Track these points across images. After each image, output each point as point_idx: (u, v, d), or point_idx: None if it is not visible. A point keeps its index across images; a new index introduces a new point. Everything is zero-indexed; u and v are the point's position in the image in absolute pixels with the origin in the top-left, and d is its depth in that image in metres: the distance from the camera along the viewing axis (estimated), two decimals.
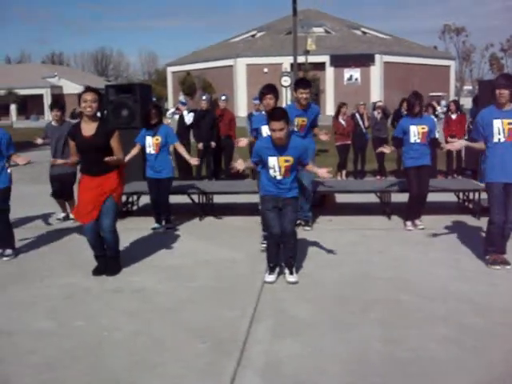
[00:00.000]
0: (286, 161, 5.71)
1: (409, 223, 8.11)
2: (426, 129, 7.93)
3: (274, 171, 5.74)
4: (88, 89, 6.06)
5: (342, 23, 55.80)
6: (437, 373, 3.98)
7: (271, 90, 6.87)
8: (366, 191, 9.55)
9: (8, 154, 6.73)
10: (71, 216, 8.70)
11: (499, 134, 6.14)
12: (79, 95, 5.98)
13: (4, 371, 4.08)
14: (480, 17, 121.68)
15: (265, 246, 6.38)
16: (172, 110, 13.39)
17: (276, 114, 5.63)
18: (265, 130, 6.58)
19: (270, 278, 5.91)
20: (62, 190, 8.76)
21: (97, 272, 6.21)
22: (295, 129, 7.41)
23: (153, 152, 8.08)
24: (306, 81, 8.28)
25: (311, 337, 4.58)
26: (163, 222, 8.25)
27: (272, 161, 5.72)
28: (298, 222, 8.08)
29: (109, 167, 5.99)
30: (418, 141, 7.91)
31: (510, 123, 6.11)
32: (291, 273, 5.92)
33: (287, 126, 5.65)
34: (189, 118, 12.64)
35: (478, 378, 3.90)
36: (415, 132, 7.90)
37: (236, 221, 7.72)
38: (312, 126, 7.84)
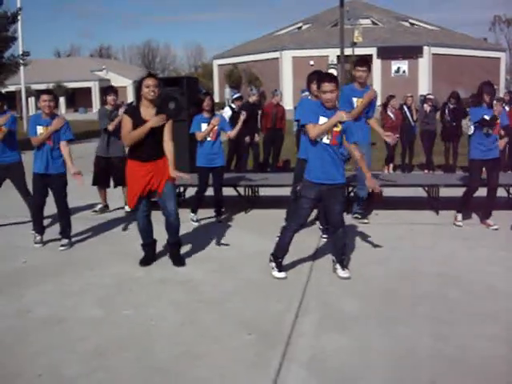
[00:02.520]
0: (335, 125, 5.56)
1: (459, 217, 7.90)
2: (498, 120, 7.60)
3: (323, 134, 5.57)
4: (150, 74, 6.16)
5: (389, 15, 55.06)
6: (486, 371, 3.91)
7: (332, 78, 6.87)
8: (413, 185, 9.43)
9: (66, 139, 6.93)
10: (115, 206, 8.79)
11: None
12: (140, 81, 6.06)
13: (55, 358, 4.18)
14: None
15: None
16: (237, 95, 13.26)
17: (327, 76, 5.60)
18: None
19: (283, 274, 5.82)
20: (116, 174, 8.84)
21: (144, 262, 6.29)
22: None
23: (209, 139, 8.07)
24: (364, 59, 8.20)
25: (357, 331, 4.55)
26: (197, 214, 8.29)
27: (323, 121, 5.55)
28: (355, 215, 8.05)
29: (161, 152, 6.05)
30: (491, 132, 7.59)
31: None
32: (343, 268, 5.86)
33: (337, 91, 5.57)
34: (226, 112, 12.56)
35: None
36: None
37: (282, 214, 7.70)
38: (367, 112, 7.72)
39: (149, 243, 6.37)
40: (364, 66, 7.58)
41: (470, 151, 7.82)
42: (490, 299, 5.21)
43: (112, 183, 9.02)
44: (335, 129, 5.54)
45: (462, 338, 4.40)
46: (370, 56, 45.41)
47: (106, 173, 8.88)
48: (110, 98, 8.90)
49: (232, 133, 8.31)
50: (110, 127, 8.57)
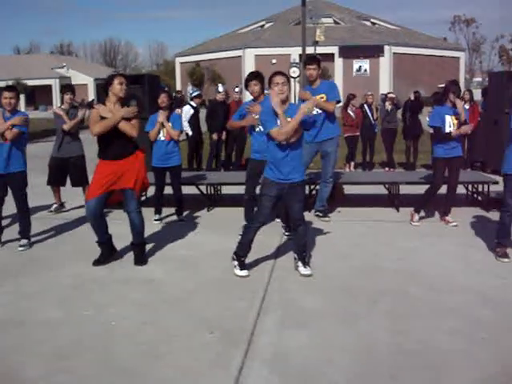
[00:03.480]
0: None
1: (416, 217, 7.96)
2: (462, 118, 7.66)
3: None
4: (119, 73, 6.21)
5: (351, 14, 55.59)
6: (444, 365, 3.98)
7: (255, 76, 6.93)
8: (374, 183, 9.54)
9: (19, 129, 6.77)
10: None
11: None
12: (110, 78, 6.04)
13: (14, 361, 4.11)
14: (490, 8, 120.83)
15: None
16: (196, 93, 13.18)
17: (279, 73, 5.69)
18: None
19: (245, 272, 5.83)
20: (73, 175, 8.74)
21: (99, 261, 6.24)
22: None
23: (163, 139, 8.01)
24: (313, 57, 8.23)
25: (319, 328, 4.58)
26: (162, 214, 8.26)
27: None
28: (317, 213, 8.09)
29: (128, 151, 6.04)
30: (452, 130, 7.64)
31: None
32: (305, 265, 5.88)
33: (288, 85, 5.60)
34: (187, 111, 12.50)
35: (486, 370, 3.90)
36: (450, 123, 7.65)
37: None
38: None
39: (103, 241, 6.32)
40: (313, 63, 7.62)
41: (434, 150, 7.93)
42: (449, 294, 5.29)
43: (69, 183, 8.90)
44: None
45: (421, 333, 4.47)
46: (332, 55, 45.76)
47: (61, 173, 8.76)
48: (66, 97, 8.79)
49: (174, 132, 8.02)
50: (66, 127, 8.45)
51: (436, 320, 4.72)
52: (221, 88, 12.96)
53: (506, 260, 6.21)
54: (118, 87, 5.95)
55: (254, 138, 7.14)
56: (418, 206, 7.98)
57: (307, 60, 7.88)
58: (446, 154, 7.68)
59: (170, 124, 7.92)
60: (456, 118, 7.61)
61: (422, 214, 8.15)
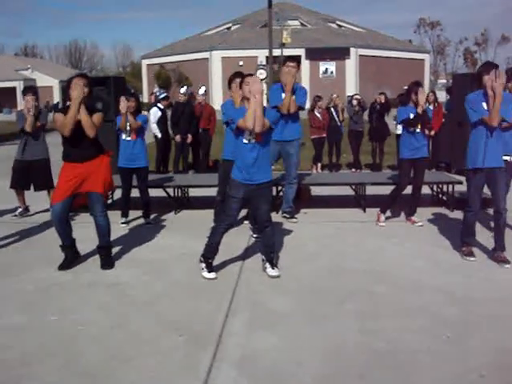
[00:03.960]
0: None
1: (382, 218, 8.02)
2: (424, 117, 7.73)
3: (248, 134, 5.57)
4: (80, 74, 6.14)
5: (317, 16, 55.90)
6: (412, 363, 4.01)
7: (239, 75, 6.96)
8: (341, 184, 9.59)
9: None
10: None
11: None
12: (70, 80, 5.94)
13: None
14: (455, 11, 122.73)
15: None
16: (163, 95, 13.10)
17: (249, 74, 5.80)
18: None
19: (212, 274, 5.79)
20: (36, 178, 8.61)
21: (64, 266, 6.14)
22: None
23: (129, 139, 7.90)
24: (294, 57, 8.32)
25: (288, 329, 4.58)
26: (128, 217, 8.19)
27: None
28: (284, 214, 8.10)
29: (95, 152, 5.97)
30: (418, 130, 7.75)
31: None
32: (272, 266, 5.88)
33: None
34: (154, 113, 12.44)
35: (453, 368, 3.94)
36: None
37: (212, 214, 7.69)
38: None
39: (68, 245, 6.24)
40: (294, 61, 7.69)
41: (400, 151, 8.00)
42: (416, 293, 5.35)
43: (33, 187, 8.75)
44: None
45: (389, 332, 4.50)
46: (299, 57, 45.95)
47: (24, 176, 8.61)
48: (28, 98, 8.62)
49: (134, 122, 7.87)
50: (28, 128, 8.31)
51: (403, 319, 4.75)
52: (182, 89, 12.92)
53: (472, 259, 6.29)
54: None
55: (229, 138, 7.11)
56: (383, 207, 8.05)
57: (288, 58, 7.96)
58: (412, 155, 7.75)
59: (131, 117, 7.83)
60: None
61: (388, 214, 8.22)
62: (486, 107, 6.04)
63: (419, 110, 7.57)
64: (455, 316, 4.81)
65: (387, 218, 8.10)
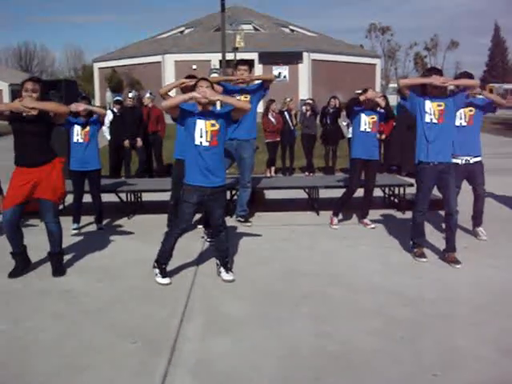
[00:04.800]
0: (212, 125, 5.58)
1: (335, 221, 8.09)
2: (376, 118, 7.92)
3: (201, 136, 5.58)
4: (30, 78, 6.00)
5: (270, 21, 56.14)
6: (367, 365, 4.06)
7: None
8: (294, 187, 9.64)
9: None
10: None
11: (431, 114, 6.25)
12: (22, 84, 5.84)
13: None
14: (405, 16, 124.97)
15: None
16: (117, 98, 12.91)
17: (203, 78, 5.78)
18: None
19: (167, 280, 5.75)
20: None
21: (15, 273, 6.01)
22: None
23: (81, 141, 7.76)
24: (246, 60, 8.28)
25: (243, 333, 4.58)
26: (80, 223, 8.08)
27: (200, 124, 5.57)
28: (238, 218, 8.09)
29: (47, 157, 5.87)
30: (369, 130, 7.86)
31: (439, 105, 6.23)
32: (227, 271, 5.88)
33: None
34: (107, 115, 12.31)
35: (406, 368, 4.00)
36: (366, 121, 7.85)
37: (165, 219, 7.65)
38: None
39: (18, 252, 6.11)
40: (245, 65, 7.69)
41: (352, 151, 8.07)
42: (369, 295, 5.41)
43: None
44: (213, 128, 5.56)
45: (344, 335, 4.54)
46: (252, 61, 46.05)
47: None
48: None
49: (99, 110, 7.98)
50: None
51: (357, 321, 4.81)
52: (130, 94, 12.81)
53: (424, 260, 6.41)
54: (23, 94, 5.76)
55: (180, 137, 7.08)
56: (335, 210, 8.13)
57: (239, 62, 7.95)
58: (363, 154, 7.86)
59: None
60: (372, 118, 7.83)
61: (341, 217, 8.31)
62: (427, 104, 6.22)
63: (362, 98, 7.81)
64: (408, 317, 4.89)
65: (340, 221, 8.19)
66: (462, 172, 7.05)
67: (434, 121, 6.21)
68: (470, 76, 6.75)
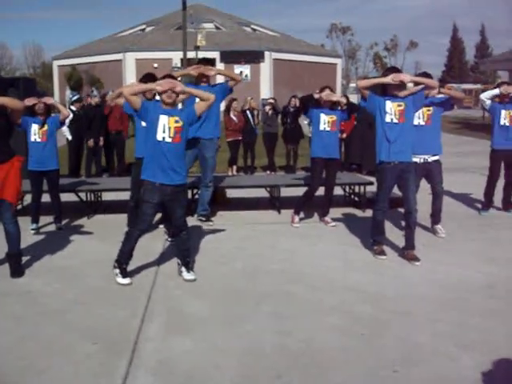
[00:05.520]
0: (176, 121, 5.54)
1: (296, 219, 8.14)
2: (335, 118, 7.94)
3: (163, 131, 5.55)
4: None
5: (232, 19, 56.09)
6: (328, 362, 4.09)
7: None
8: (256, 186, 9.66)
9: None
10: None
11: (391, 114, 6.32)
12: None
13: None
14: (365, 17, 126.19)
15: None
16: (76, 97, 12.71)
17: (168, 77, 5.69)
18: None
19: (127, 280, 5.71)
20: None
21: None
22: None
23: (39, 140, 7.64)
24: (207, 58, 8.24)
25: (204, 332, 4.57)
26: (39, 223, 7.96)
27: (163, 119, 5.52)
28: (200, 217, 8.06)
29: (5, 156, 5.76)
30: (328, 129, 7.89)
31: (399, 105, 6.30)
32: (188, 270, 5.85)
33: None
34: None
35: (367, 364, 4.05)
36: (325, 120, 7.87)
37: (126, 219, 7.58)
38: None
39: None
40: (206, 64, 7.66)
41: (312, 150, 8.10)
42: (330, 292, 5.46)
43: None
44: (176, 124, 5.51)
45: (305, 332, 4.57)
46: (214, 60, 45.94)
47: None
48: None
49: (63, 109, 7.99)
50: None
51: (319, 318, 4.84)
52: (94, 92, 12.68)
53: (384, 257, 6.49)
54: None
55: (140, 136, 7.02)
56: (297, 208, 8.17)
57: (201, 60, 7.92)
58: (323, 153, 7.91)
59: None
60: (331, 117, 7.88)
61: (302, 215, 8.36)
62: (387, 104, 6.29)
63: (316, 96, 7.91)
64: (368, 314, 4.94)
65: (301, 220, 8.23)
66: (421, 171, 7.15)
67: (395, 121, 6.28)
68: (428, 76, 6.86)
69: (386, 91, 6.39)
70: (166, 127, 5.49)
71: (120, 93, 6.21)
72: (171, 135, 5.49)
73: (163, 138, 5.49)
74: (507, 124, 8.33)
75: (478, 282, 5.73)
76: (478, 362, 4.06)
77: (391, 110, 6.29)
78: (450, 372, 3.96)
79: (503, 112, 8.34)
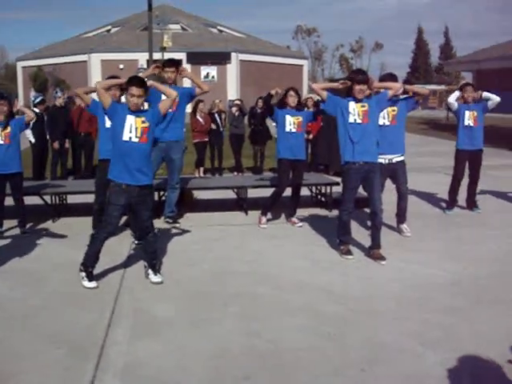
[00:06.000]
0: (143, 122, 5.52)
1: (264, 220, 8.14)
2: (301, 119, 7.93)
3: (130, 131, 5.51)
4: None
5: (199, 21, 55.96)
6: (295, 362, 4.11)
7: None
8: (223, 187, 9.65)
9: None
10: None
11: (354, 115, 6.37)
12: None
13: None
14: (331, 19, 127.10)
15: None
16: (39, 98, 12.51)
17: (136, 81, 5.56)
18: None
19: (93, 283, 5.64)
20: None
21: None
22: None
23: (1, 143, 7.47)
24: (173, 60, 8.16)
25: (172, 335, 4.56)
26: (3, 227, 7.82)
27: (129, 120, 5.50)
28: (166, 219, 8.02)
29: None
30: (294, 130, 7.89)
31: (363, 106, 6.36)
32: (155, 272, 5.82)
33: (145, 97, 5.61)
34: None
35: (334, 364, 4.08)
36: (291, 121, 7.87)
37: (91, 221, 7.50)
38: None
39: None
40: (172, 66, 7.62)
41: (278, 151, 8.09)
42: (297, 293, 5.48)
43: None
44: (143, 125, 5.49)
45: (273, 332, 4.58)
46: (180, 61, 45.77)
47: None
48: None
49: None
50: None
51: (286, 319, 4.86)
52: (59, 93, 12.50)
53: (350, 257, 6.54)
54: None
55: (103, 137, 6.96)
56: (264, 210, 8.19)
57: (166, 62, 7.82)
58: (289, 155, 7.93)
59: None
60: (297, 119, 7.90)
61: (270, 216, 8.38)
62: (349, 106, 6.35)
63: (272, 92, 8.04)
64: (335, 313, 4.98)
65: (269, 220, 8.25)
66: (386, 171, 7.22)
67: (358, 121, 6.34)
68: (393, 77, 6.94)
69: (350, 93, 6.44)
70: (132, 127, 5.46)
71: (93, 89, 6.13)
72: (138, 135, 5.47)
73: (130, 137, 5.46)
74: (471, 124, 8.48)
75: (443, 280, 5.82)
76: (443, 359, 4.12)
77: (354, 110, 6.34)
78: (416, 370, 4.01)
79: (467, 113, 8.48)
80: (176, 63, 7.79)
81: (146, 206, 5.67)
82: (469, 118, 8.49)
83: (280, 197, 8.11)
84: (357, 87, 6.32)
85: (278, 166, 8.18)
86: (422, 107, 56.90)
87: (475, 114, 8.48)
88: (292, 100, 7.90)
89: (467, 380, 3.91)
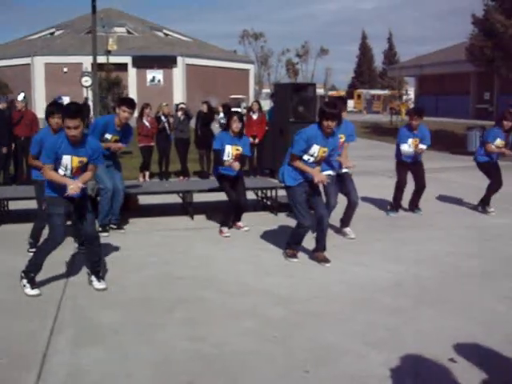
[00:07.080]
0: (80, 161, 5.46)
1: (225, 230, 7.92)
2: (240, 150, 7.83)
3: (65, 169, 5.46)
4: None
5: (144, 24, 55.53)
6: (240, 366, 4.12)
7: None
8: (168, 192, 9.59)
9: None
10: None
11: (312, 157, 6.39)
12: None
13: None
14: (277, 23, 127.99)
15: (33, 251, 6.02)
16: None
17: (69, 112, 5.30)
18: None
19: (36, 291, 5.52)
20: None
21: None
22: None
23: None
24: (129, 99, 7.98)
25: (116, 342, 4.50)
26: None
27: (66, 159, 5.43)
28: (111, 225, 7.91)
29: None
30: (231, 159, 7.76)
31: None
32: (99, 279, 5.74)
33: (82, 127, 5.35)
34: None
35: (279, 366, 4.11)
36: (229, 153, 7.74)
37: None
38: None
39: None
40: (131, 108, 7.47)
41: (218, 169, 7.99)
42: (243, 296, 5.50)
43: None
44: (80, 164, 5.47)
45: (217, 337, 4.59)
46: (126, 65, 45.37)
47: None
48: None
49: None
50: None
51: (231, 323, 4.87)
52: (20, 96, 12.28)
53: (295, 260, 6.60)
54: None
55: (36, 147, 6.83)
56: (224, 221, 7.99)
57: (124, 102, 7.62)
58: (230, 172, 7.84)
59: None
60: (237, 149, 7.79)
61: (227, 229, 8.20)
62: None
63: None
64: (280, 316, 5.02)
65: (216, 225, 8.21)
66: (336, 182, 7.35)
67: (312, 161, 6.41)
68: (342, 99, 6.93)
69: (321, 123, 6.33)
70: (68, 167, 5.44)
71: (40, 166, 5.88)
72: (73, 172, 5.46)
73: (64, 174, 5.44)
74: (411, 150, 8.73)
75: (387, 281, 5.93)
76: (386, 359, 4.20)
77: (315, 154, 6.38)
78: (360, 370, 4.08)
79: (410, 140, 8.72)
80: (134, 105, 7.62)
81: (88, 210, 5.61)
82: (410, 145, 8.76)
83: (236, 208, 8.02)
84: (325, 123, 6.26)
85: (220, 182, 8.12)
86: (366, 112, 57.97)
87: (417, 141, 8.74)
88: (235, 126, 7.80)
89: (410, 379, 3.99)
